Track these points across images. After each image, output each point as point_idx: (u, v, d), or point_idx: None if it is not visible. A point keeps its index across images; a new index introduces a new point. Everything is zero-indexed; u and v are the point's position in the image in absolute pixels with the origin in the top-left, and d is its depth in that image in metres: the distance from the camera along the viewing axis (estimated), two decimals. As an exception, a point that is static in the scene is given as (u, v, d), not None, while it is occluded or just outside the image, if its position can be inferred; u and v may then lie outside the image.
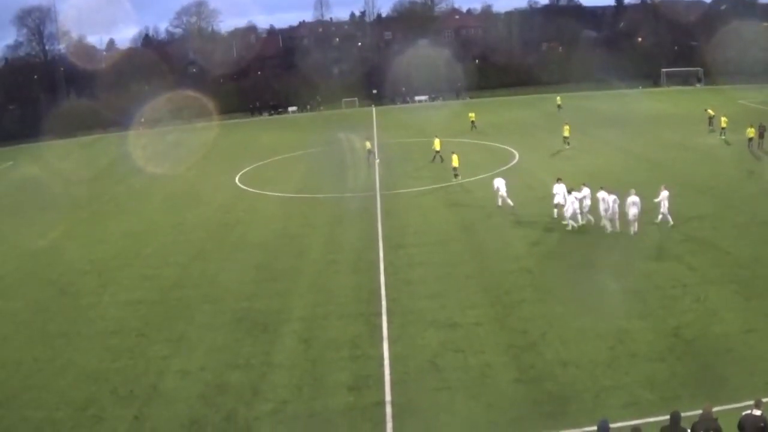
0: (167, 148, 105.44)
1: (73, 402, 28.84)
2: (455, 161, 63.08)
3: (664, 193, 45.84)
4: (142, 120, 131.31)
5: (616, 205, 45.18)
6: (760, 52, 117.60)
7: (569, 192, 47.76)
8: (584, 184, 48.16)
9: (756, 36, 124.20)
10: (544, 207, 51.63)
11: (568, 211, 46.95)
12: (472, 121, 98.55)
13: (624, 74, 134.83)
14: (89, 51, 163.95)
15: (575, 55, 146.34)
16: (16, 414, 28.23)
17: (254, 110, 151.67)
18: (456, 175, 62.16)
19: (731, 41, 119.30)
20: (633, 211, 44.44)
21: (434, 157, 73.18)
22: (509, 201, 52.74)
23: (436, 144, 73.61)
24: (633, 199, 44.61)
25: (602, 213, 45.80)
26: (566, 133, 77.11)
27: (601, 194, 45.60)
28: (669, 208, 45.68)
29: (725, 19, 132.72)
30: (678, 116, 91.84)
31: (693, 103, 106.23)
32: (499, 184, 53.29)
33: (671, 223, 45.45)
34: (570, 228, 46.68)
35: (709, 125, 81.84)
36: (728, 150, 66.56)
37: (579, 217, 46.96)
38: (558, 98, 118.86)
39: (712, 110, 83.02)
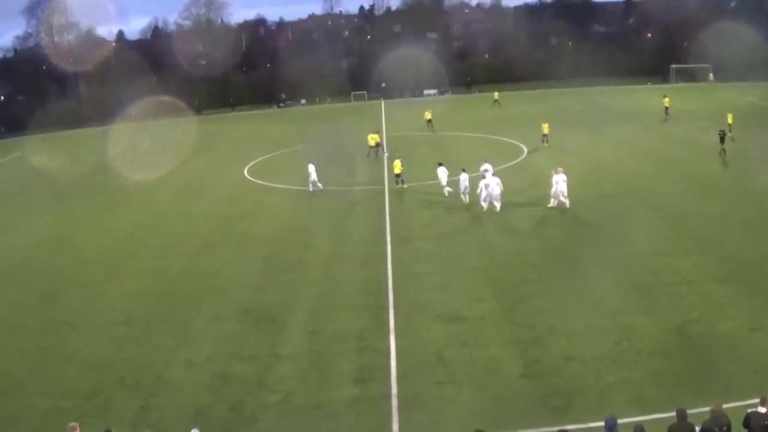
0: (175, 140, 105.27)
1: (79, 391, 28.97)
2: (398, 167, 60.49)
3: (561, 177, 50.38)
4: (150, 111, 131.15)
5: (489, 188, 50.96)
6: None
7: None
8: (463, 170, 54.03)
9: (765, 32, 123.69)
10: (551, 201, 51.58)
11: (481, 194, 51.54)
12: (428, 120, 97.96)
13: (633, 70, 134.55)
14: (98, 42, 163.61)
15: (584, 50, 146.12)
16: (22, 402, 28.33)
17: (280, 101, 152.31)
18: (400, 182, 60.24)
19: (740, 37, 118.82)
20: (561, 188, 50.21)
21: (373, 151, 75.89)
22: (465, 197, 53.98)
23: (371, 139, 76.81)
24: (562, 176, 50.40)
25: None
26: (545, 131, 76.81)
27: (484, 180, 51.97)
28: (566, 193, 50.33)
29: (735, 15, 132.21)
30: (686, 112, 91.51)
31: (701, 100, 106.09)
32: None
33: (568, 206, 50.04)
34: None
35: (666, 114, 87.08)
36: (735, 146, 66.39)
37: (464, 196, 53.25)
38: (496, 93, 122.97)
39: (669, 100, 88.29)
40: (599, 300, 33.25)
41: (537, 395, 26.28)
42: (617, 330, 30.63)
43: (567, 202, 50.32)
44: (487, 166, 56.39)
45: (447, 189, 55.49)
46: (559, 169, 51.32)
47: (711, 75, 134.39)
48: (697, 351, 28.40)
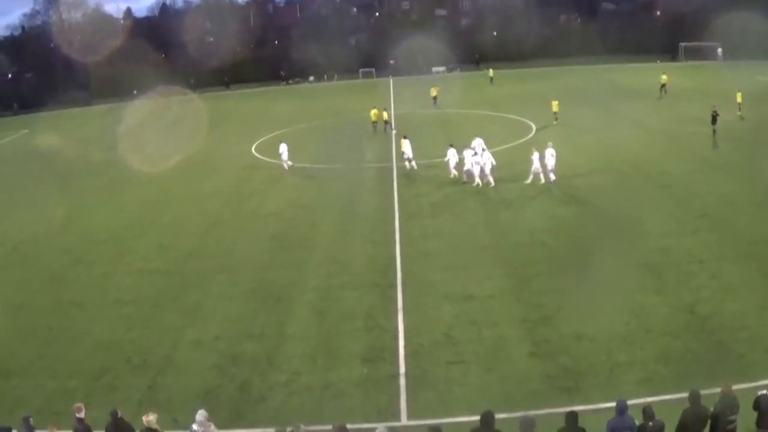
0: (184, 117, 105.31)
1: (87, 371, 29.01)
2: (403, 146, 59.72)
3: (550, 151, 52.19)
4: (157, 89, 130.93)
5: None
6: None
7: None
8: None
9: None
10: (560, 179, 51.48)
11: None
12: (434, 97, 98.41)
13: (642, 48, 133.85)
14: (106, 20, 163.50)
15: (593, 28, 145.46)
16: (30, 382, 28.39)
17: (283, 78, 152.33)
18: (407, 161, 59.34)
19: (751, 16, 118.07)
20: (551, 163, 51.62)
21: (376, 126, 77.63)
22: (453, 171, 54.88)
23: (373, 115, 78.59)
24: (551, 151, 52.15)
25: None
26: (555, 108, 77.06)
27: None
28: (554, 167, 51.79)
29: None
30: (695, 90, 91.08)
31: (711, 78, 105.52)
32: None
33: (553, 179, 51.42)
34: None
35: (661, 90, 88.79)
36: (744, 126, 66.09)
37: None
38: (490, 71, 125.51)
39: (665, 77, 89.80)
40: (609, 279, 32.96)
41: (546, 375, 26.20)
42: (627, 309, 30.48)
43: (552, 176, 51.47)
44: (478, 140, 56.49)
45: (454, 172, 55.11)
46: (549, 143, 52.87)
47: (719, 53, 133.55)
48: (707, 330, 28.31)
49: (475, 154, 53.43)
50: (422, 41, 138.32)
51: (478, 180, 52.29)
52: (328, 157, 62.52)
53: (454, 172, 54.45)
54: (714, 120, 62.90)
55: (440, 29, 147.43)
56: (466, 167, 52.96)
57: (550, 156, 51.94)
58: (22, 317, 35.30)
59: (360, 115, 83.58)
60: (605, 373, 25.86)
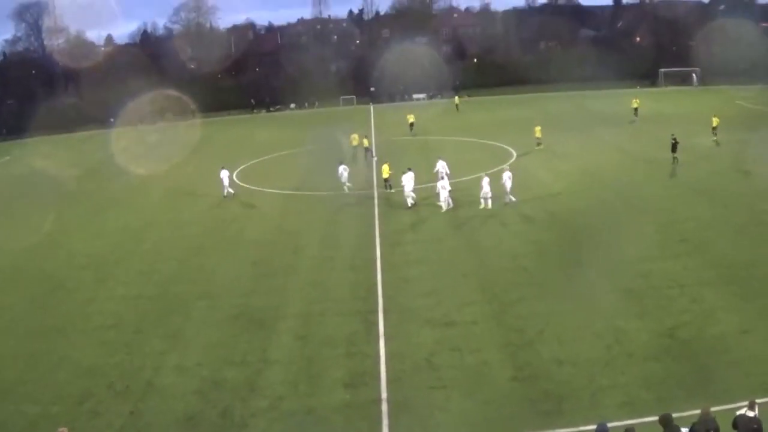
0: (165, 144, 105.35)
1: (69, 396, 28.87)
2: (386, 172, 61.02)
3: (507, 174, 54.20)
4: (140, 116, 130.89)
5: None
6: (759, 52, 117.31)
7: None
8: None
9: (754, 36, 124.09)
10: (540, 205, 51.85)
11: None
12: (411, 123, 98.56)
13: (622, 74, 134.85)
14: (87, 46, 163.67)
15: (573, 55, 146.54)
16: (11, 408, 28.23)
17: (253, 107, 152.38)
18: (388, 187, 60.58)
19: (730, 41, 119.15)
20: (508, 185, 53.69)
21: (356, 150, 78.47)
22: (410, 196, 55.62)
23: (353, 140, 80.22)
24: (507, 174, 54.33)
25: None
26: (538, 134, 77.59)
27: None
28: (511, 189, 53.79)
29: (723, 19, 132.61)
30: (675, 116, 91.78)
31: (690, 104, 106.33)
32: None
33: (513, 200, 53.56)
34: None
35: (634, 115, 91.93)
36: (723, 150, 66.58)
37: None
38: (456, 98, 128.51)
39: (636, 101, 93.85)
40: (590, 304, 33.24)
41: (528, 399, 26.26)
42: (608, 334, 30.64)
43: (512, 197, 53.80)
44: (441, 163, 58.18)
45: (411, 196, 55.72)
46: (506, 167, 55.67)
47: (694, 78, 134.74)
48: (688, 354, 28.44)
49: (442, 178, 54.81)
50: (403, 68, 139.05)
51: (443, 203, 53.51)
52: (310, 184, 62.65)
53: (411, 196, 55.36)
54: (674, 148, 62.88)
55: (421, 57, 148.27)
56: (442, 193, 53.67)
57: (507, 179, 53.67)
58: (4, 342, 35.07)
59: (341, 143, 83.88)
60: (587, 397, 25.93)
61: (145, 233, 54.07)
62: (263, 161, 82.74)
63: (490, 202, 52.60)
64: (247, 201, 62.43)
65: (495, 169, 60.69)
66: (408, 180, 55.58)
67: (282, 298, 38.29)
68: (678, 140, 62.90)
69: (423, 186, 57.22)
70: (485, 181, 52.81)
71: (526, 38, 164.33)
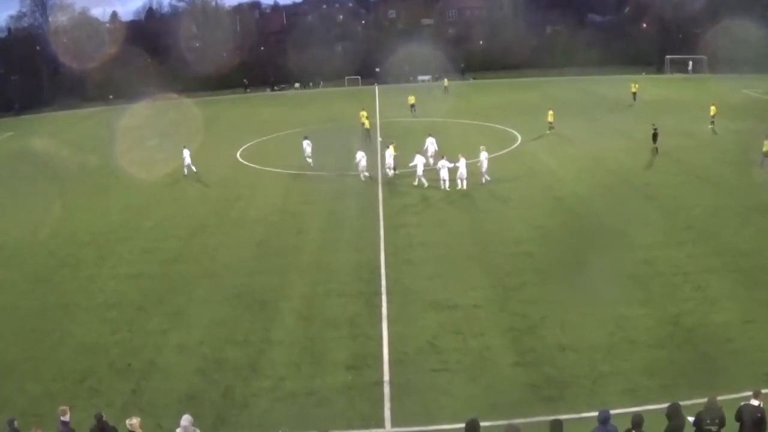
0: (169, 122, 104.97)
1: (70, 374, 28.92)
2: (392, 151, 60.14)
3: (483, 154, 55.35)
4: (144, 93, 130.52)
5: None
6: (766, 41, 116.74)
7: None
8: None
9: (762, 25, 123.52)
10: (546, 190, 51.85)
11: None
12: (412, 105, 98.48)
13: (628, 60, 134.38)
14: (92, 23, 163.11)
15: (579, 39, 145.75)
16: (13, 385, 28.27)
17: (246, 87, 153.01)
18: (392, 169, 59.76)
19: (737, 29, 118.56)
20: (485, 165, 55.15)
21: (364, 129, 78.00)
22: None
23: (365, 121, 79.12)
24: (484, 154, 55.34)
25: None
26: (550, 118, 77.49)
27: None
28: (486, 169, 55.50)
29: (731, 6, 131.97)
30: (681, 103, 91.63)
31: (696, 91, 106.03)
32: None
33: (488, 179, 55.15)
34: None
35: (633, 99, 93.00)
36: (729, 138, 66.43)
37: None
38: (445, 81, 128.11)
39: (635, 85, 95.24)
40: (594, 290, 33.11)
41: (530, 384, 26.26)
42: (612, 320, 30.62)
43: (487, 177, 55.40)
44: (431, 139, 61.18)
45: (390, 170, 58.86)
46: (482, 147, 55.68)
47: (690, 66, 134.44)
48: (691, 342, 28.43)
49: (431, 155, 57.78)
50: (408, 50, 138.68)
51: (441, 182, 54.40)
52: (315, 164, 62.58)
53: (389, 171, 58.39)
54: (654, 138, 62.64)
55: (427, 38, 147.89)
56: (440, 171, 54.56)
57: (483, 159, 54.86)
58: (7, 320, 35.12)
59: (348, 123, 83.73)
60: (589, 383, 25.93)
61: (149, 211, 53.98)
62: (268, 140, 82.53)
63: (465, 182, 53.44)
64: (251, 180, 62.33)
65: (500, 153, 60.58)
66: (388, 155, 58.34)
67: (285, 279, 38.24)
68: (658, 131, 62.83)
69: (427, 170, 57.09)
70: (461, 162, 53.66)
71: (532, 22, 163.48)
